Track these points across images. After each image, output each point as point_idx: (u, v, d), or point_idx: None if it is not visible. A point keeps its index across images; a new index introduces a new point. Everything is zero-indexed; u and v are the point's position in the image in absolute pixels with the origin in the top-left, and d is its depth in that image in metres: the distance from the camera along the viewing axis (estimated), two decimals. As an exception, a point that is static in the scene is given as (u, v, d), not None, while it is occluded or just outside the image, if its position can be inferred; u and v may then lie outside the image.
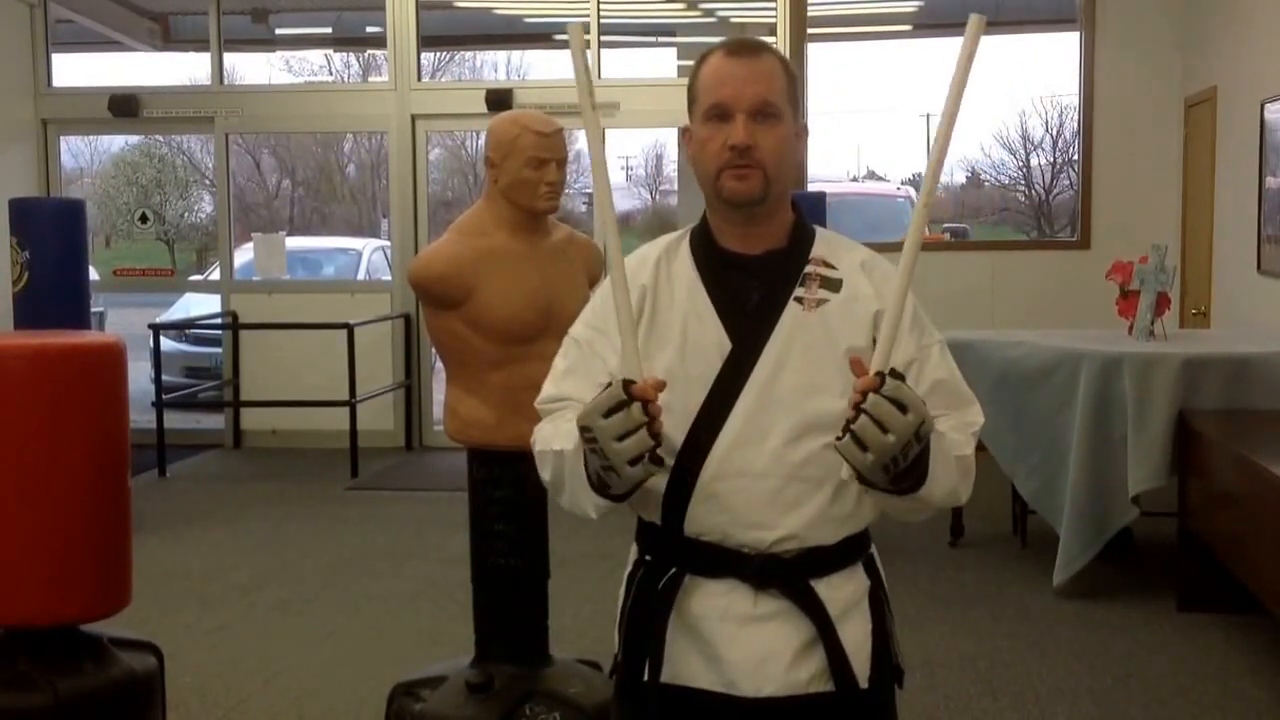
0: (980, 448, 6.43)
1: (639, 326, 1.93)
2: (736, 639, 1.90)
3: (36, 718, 3.21)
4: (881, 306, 1.89)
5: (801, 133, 1.99)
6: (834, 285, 1.93)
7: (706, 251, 1.98)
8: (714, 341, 1.91)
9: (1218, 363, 5.36)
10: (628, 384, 1.76)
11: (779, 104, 1.91)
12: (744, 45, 1.96)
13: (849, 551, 1.94)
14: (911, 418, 1.72)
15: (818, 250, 1.97)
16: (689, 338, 1.92)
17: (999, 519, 6.50)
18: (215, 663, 4.72)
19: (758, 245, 1.96)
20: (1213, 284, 7.56)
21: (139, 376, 7.55)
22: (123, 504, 3.45)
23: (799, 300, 1.92)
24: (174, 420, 8.81)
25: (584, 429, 1.77)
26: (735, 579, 1.90)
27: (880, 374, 1.72)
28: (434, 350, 8.46)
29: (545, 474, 1.97)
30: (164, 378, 8.73)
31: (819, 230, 2.01)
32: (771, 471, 1.87)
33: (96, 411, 3.35)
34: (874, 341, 1.87)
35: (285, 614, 5.35)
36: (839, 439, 1.74)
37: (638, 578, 1.98)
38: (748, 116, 1.89)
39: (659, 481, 1.87)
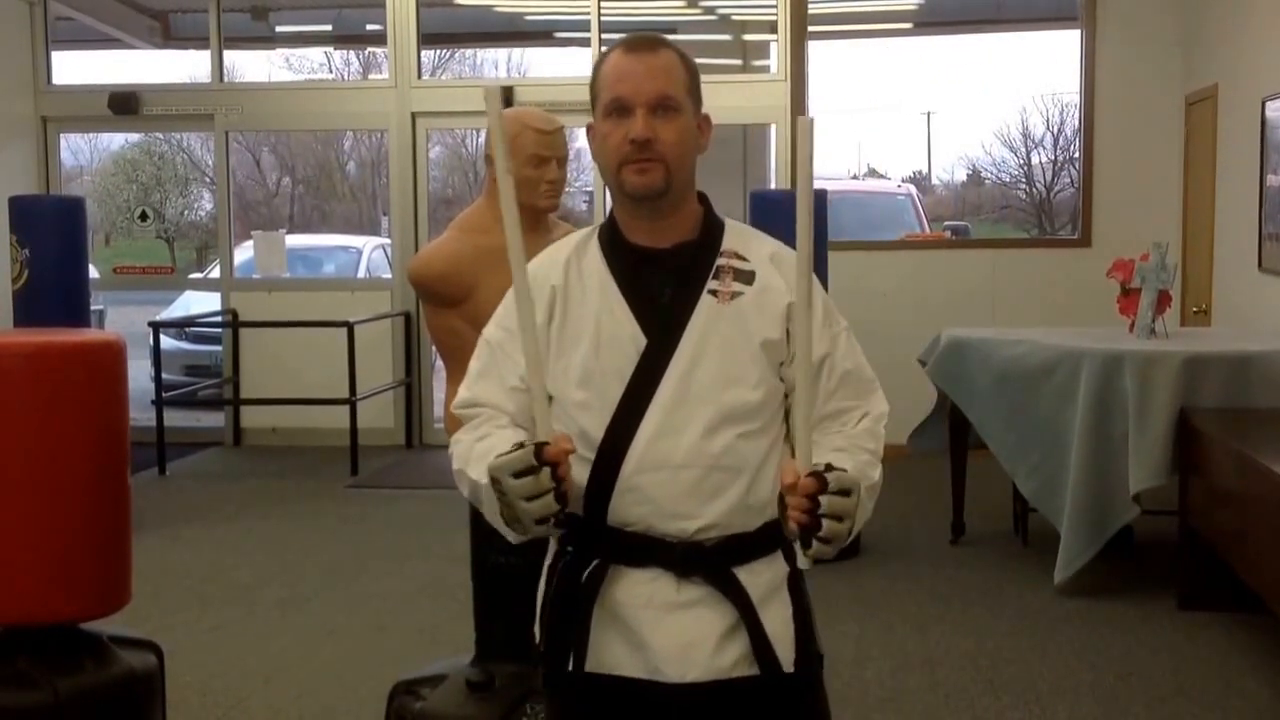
0: (980, 446, 6.41)
1: (549, 328, 1.97)
2: (661, 626, 1.92)
3: (36, 716, 3.21)
4: (791, 299, 1.92)
5: (705, 125, 2.00)
6: (747, 277, 1.96)
7: (615, 247, 2.00)
8: (628, 335, 1.93)
9: (1219, 361, 5.35)
10: (539, 448, 1.78)
11: (678, 97, 1.93)
12: (642, 41, 1.97)
13: (769, 538, 1.95)
14: (854, 498, 1.79)
15: (729, 242, 1.99)
16: (603, 333, 1.94)
17: (1000, 517, 6.49)
18: (215, 661, 4.72)
19: (667, 238, 1.98)
20: (1214, 282, 7.56)
21: (139, 374, 7.54)
22: (123, 502, 3.45)
23: (713, 293, 1.94)
24: (174, 418, 8.81)
25: (494, 480, 1.80)
26: (659, 567, 1.93)
27: (817, 474, 1.77)
28: (434, 348, 8.43)
29: (464, 490, 1.99)
30: (164, 376, 8.72)
31: (728, 222, 2.04)
32: (692, 462, 1.90)
33: (96, 409, 3.35)
34: (787, 334, 1.93)
35: (285, 612, 5.35)
36: (805, 550, 1.79)
37: (559, 569, 2.00)
38: (647, 111, 1.91)
39: (581, 474, 1.90)
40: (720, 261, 1.96)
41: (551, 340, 1.97)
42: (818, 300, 1.95)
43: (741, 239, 2.00)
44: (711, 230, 2.00)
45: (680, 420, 1.91)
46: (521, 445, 1.80)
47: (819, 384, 1.95)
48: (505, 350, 2.01)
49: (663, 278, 1.96)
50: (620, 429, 1.91)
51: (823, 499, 1.75)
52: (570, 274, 1.99)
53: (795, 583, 1.99)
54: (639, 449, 1.91)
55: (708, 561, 1.92)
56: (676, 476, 1.90)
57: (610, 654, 1.95)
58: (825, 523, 1.75)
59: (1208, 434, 4.98)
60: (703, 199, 2.03)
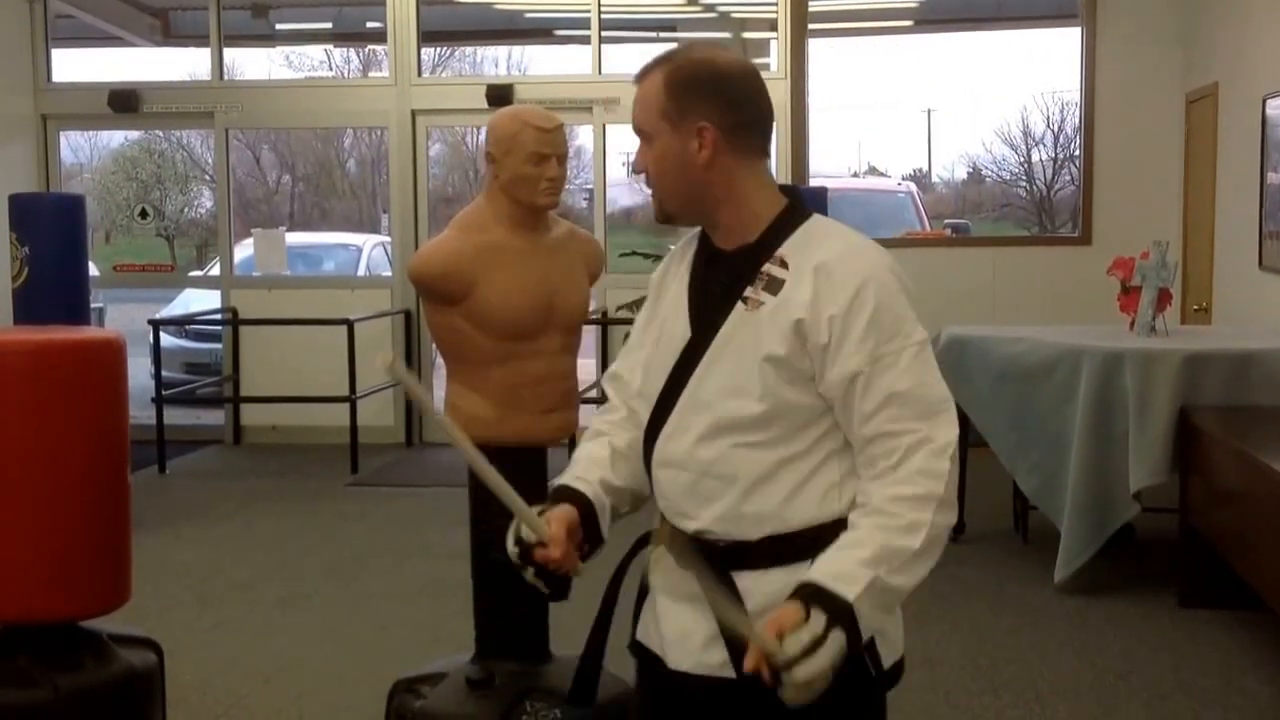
0: (981, 443, 6.41)
1: (643, 321, 2.10)
2: (669, 612, 2.00)
3: (37, 714, 3.21)
4: (804, 316, 1.86)
5: (704, 134, 1.91)
6: (776, 287, 1.90)
7: (702, 246, 2.05)
8: (680, 332, 1.99)
9: (1219, 359, 5.35)
10: (526, 549, 1.96)
11: (646, 126, 1.95)
12: (638, 75, 1.99)
13: (779, 551, 1.91)
14: (815, 658, 1.73)
15: (785, 248, 1.93)
16: (665, 328, 2.02)
17: (1000, 515, 6.49)
18: (215, 659, 4.72)
19: (729, 241, 1.98)
20: (1214, 280, 7.56)
21: (139, 372, 7.53)
22: (122, 500, 3.45)
23: (745, 300, 1.92)
24: (174, 416, 8.80)
25: None
26: None
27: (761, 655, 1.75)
28: (434, 346, 8.42)
29: None
30: (164, 374, 8.71)
31: (810, 224, 1.96)
32: (686, 465, 1.95)
33: (96, 408, 3.34)
34: (800, 347, 1.87)
35: (285, 610, 5.35)
36: (785, 699, 1.76)
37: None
38: (641, 144, 1.98)
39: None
40: (764, 268, 1.92)
41: (640, 332, 2.09)
42: (864, 311, 1.87)
43: (802, 244, 1.92)
44: (774, 233, 1.94)
45: (686, 422, 1.95)
46: (541, 511, 1.98)
47: (852, 402, 1.88)
48: (641, 330, 2.11)
49: (720, 279, 1.97)
50: (654, 422, 2.00)
51: (782, 662, 1.73)
52: (668, 270, 2.08)
53: None
54: (659, 444, 1.99)
55: (710, 561, 1.93)
56: (677, 477, 1.97)
57: (647, 628, 2.08)
58: (792, 672, 1.73)
59: (1208, 432, 4.98)
60: (791, 197, 1.99)
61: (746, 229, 1.95)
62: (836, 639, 1.74)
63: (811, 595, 1.77)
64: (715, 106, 1.92)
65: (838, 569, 1.80)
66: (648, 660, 2.06)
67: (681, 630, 1.97)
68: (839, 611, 1.75)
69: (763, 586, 1.91)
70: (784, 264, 1.91)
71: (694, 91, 1.92)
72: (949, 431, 1.90)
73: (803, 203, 2.00)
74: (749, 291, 1.92)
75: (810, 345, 1.87)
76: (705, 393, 1.93)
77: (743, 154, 1.94)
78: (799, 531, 1.91)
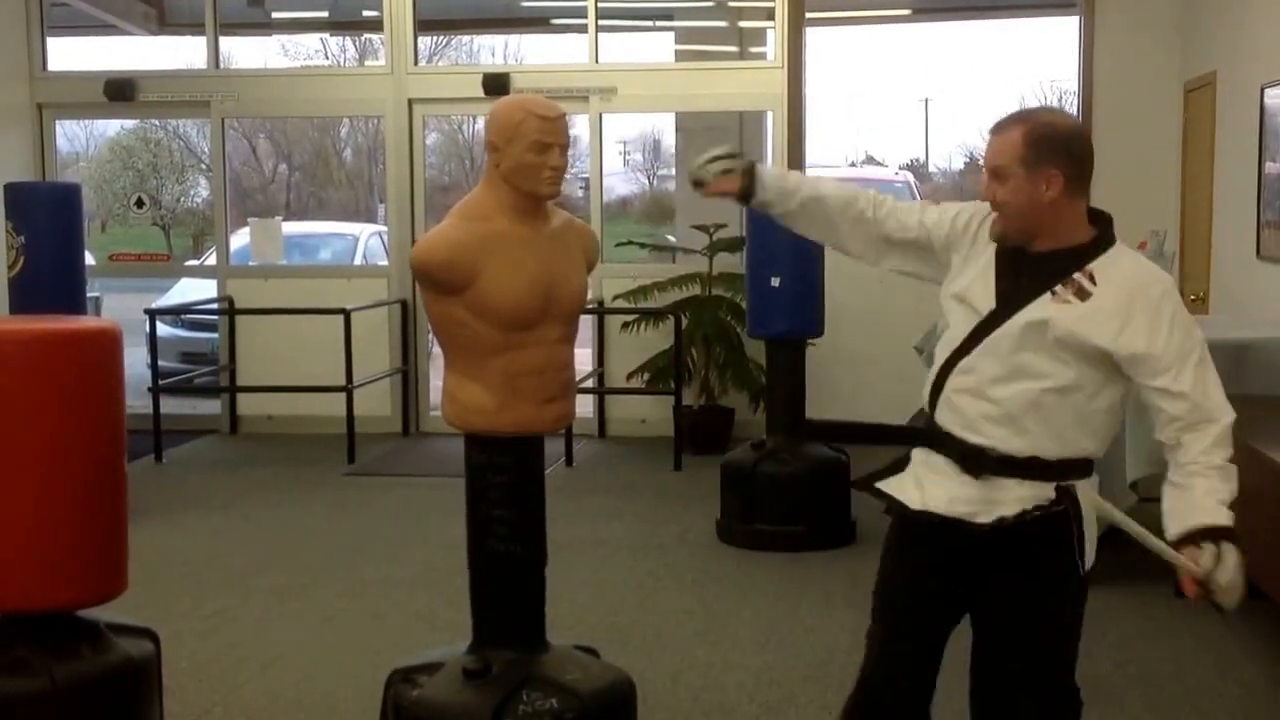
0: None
1: (962, 240, 2.75)
2: (930, 478, 2.76)
3: (33, 703, 3.20)
4: (1131, 351, 2.60)
5: (1052, 180, 2.54)
6: (1084, 296, 2.56)
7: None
8: (985, 301, 2.63)
9: (1216, 348, 5.23)
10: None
11: (1007, 166, 2.56)
12: (996, 127, 2.62)
13: (1036, 468, 2.67)
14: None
15: (1095, 264, 2.59)
16: (973, 287, 2.67)
17: (997, 505, 6.49)
18: (212, 648, 4.72)
19: (1038, 248, 2.62)
20: (1212, 269, 7.55)
21: (135, 362, 7.52)
22: (119, 490, 3.44)
23: (1053, 293, 2.57)
24: (170, 406, 8.81)
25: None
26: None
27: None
28: (431, 336, 8.39)
29: None
30: (160, 363, 8.70)
31: (1118, 250, 2.64)
32: (981, 396, 2.61)
33: (92, 397, 3.33)
34: (1100, 352, 2.57)
35: (282, 599, 5.35)
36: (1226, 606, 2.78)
37: None
38: (993, 180, 2.60)
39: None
40: (1074, 275, 2.57)
41: (963, 256, 2.76)
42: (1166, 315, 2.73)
43: (1108, 267, 2.61)
44: (1083, 251, 2.61)
45: (980, 365, 2.64)
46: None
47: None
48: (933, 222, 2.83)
49: (1028, 274, 2.61)
50: (953, 359, 2.68)
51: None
52: (980, 229, 2.72)
53: None
54: (955, 375, 2.70)
55: (980, 464, 2.65)
56: (973, 403, 2.65)
57: (905, 489, 2.80)
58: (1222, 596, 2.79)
59: (1205, 422, 4.97)
60: (1097, 220, 2.65)
61: (1060, 241, 2.60)
62: (1234, 549, 2.67)
63: (1204, 534, 2.66)
64: (1064, 160, 2.55)
65: (1212, 508, 2.71)
66: (899, 510, 2.74)
67: (944, 490, 2.66)
68: (1226, 533, 2.67)
69: (1018, 491, 2.61)
70: (1093, 280, 2.56)
71: (1048, 146, 2.55)
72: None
73: (1109, 229, 2.65)
74: (1058, 288, 2.57)
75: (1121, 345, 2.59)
76: (1000, 350, 2.57)
77: (1075, 196, 2.59)
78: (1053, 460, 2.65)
